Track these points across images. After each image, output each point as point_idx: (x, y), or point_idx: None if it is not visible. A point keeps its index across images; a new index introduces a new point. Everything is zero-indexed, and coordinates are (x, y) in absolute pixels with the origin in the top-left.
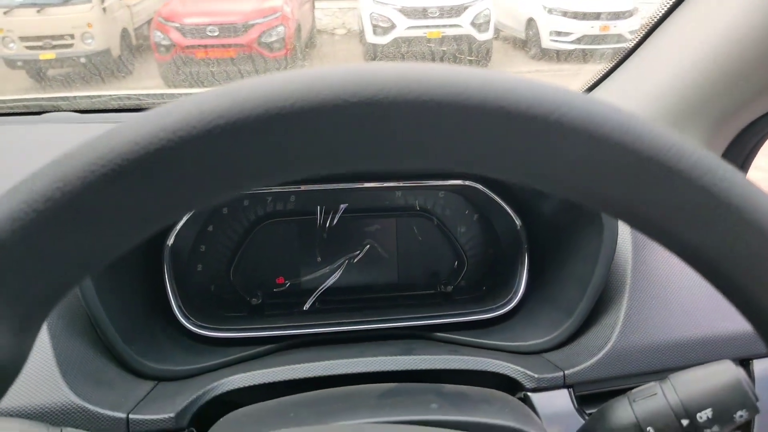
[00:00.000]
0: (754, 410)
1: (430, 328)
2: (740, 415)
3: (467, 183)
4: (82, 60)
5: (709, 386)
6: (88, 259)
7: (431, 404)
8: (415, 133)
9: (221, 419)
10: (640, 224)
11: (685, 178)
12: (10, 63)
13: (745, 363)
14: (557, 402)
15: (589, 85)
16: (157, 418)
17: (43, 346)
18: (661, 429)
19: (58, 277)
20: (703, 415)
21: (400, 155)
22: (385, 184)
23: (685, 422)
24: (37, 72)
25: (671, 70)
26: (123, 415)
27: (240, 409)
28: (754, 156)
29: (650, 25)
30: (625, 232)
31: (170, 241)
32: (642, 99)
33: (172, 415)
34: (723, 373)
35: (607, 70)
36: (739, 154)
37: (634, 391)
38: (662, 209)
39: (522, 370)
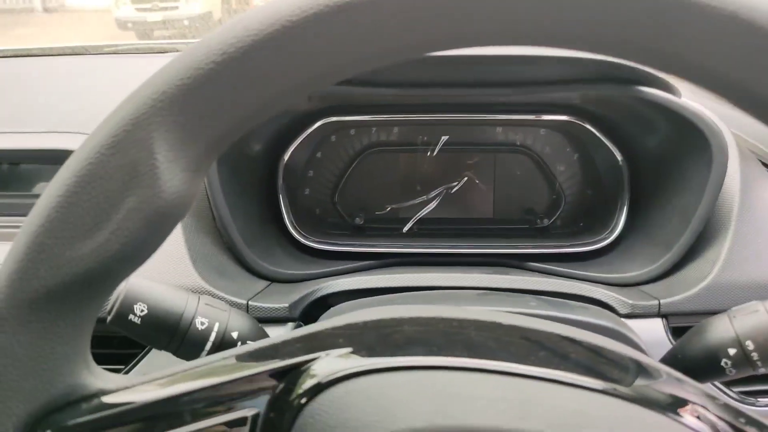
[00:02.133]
0: None
1: (525, 257)
2: None
3: (570, 119)
4: (185, 22)
5: None
6: (244, 116)
7: (530, 302)
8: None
9: (330, 308)
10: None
11: None
12: (122, 24)
13: None
14: (651, 330)
15: None
16: (273, 306)
17: (177, 239)
18: (762, 343)
19: (224, 125)
20: None
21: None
22: (487, 117)
23: None
24: (145, 33)
25: None
26: (243, 301)
27: (349, 302)
28: None
29: None
30: (734, 166)
31: (286, 156)
32: None
33: (286, 305)
34: None
35: None
36: None
37: (733, 309)
38: None
39: (616, 296)
